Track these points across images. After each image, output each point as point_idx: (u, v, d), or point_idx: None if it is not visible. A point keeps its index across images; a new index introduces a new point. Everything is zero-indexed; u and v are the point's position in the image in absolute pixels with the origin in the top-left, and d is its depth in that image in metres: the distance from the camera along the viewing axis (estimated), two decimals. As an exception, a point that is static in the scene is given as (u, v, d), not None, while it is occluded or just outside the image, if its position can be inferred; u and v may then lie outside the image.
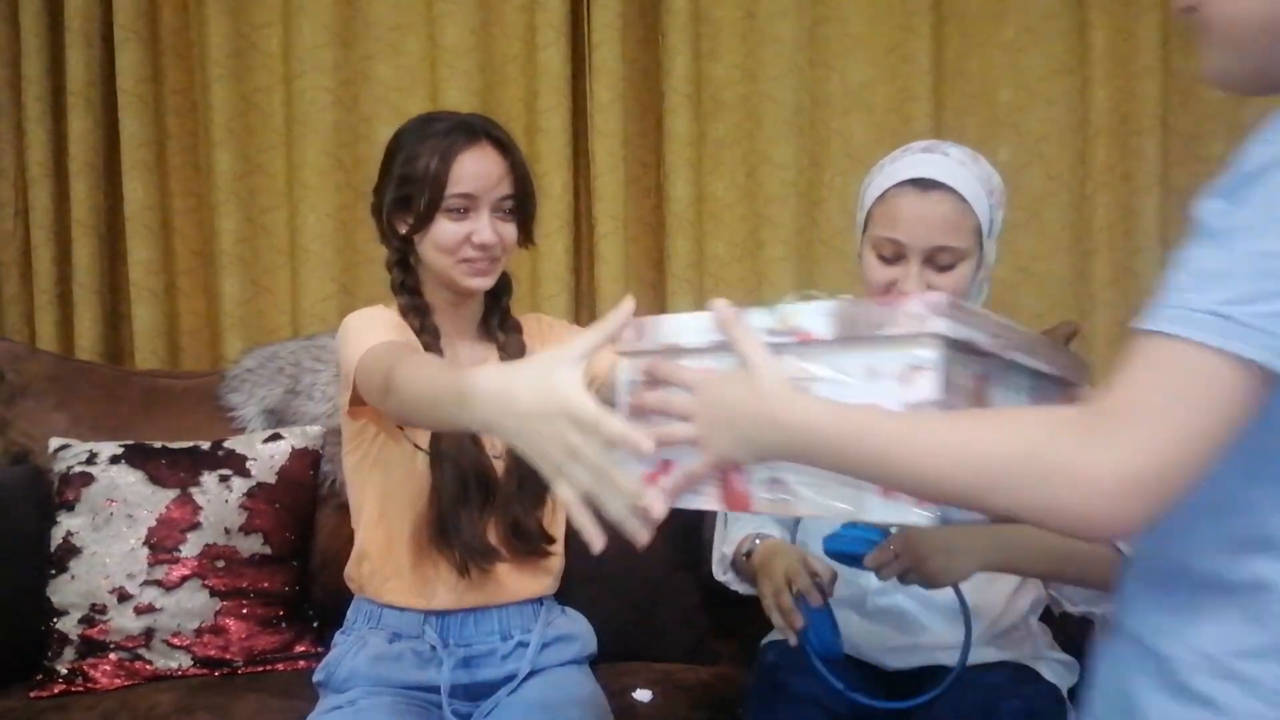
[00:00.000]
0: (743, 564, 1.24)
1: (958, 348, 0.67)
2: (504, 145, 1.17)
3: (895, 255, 1.12)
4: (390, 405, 0.97)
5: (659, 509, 0.71)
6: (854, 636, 1.19)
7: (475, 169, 1.14)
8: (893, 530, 1.01)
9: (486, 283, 1.19)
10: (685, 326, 0.76)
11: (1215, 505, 0.63)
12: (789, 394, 0.68)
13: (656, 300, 2.05)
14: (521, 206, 1.19)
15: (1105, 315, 1.99)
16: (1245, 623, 0.63)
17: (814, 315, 0.70)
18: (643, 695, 1.35)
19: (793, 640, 1.08)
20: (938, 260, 1.10)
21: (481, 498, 1.18)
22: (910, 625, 1.18)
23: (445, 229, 1.15)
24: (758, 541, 1.22)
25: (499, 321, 1.28)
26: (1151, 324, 0.59)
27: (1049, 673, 1.16)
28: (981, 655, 1.14)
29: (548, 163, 1.94)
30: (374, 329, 1.12)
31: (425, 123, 1.19)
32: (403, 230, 1.18)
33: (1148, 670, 0.66)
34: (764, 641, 1.33)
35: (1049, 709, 1.10)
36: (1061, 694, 1.15)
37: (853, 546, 1.02)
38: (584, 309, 2.03)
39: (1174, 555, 0.67)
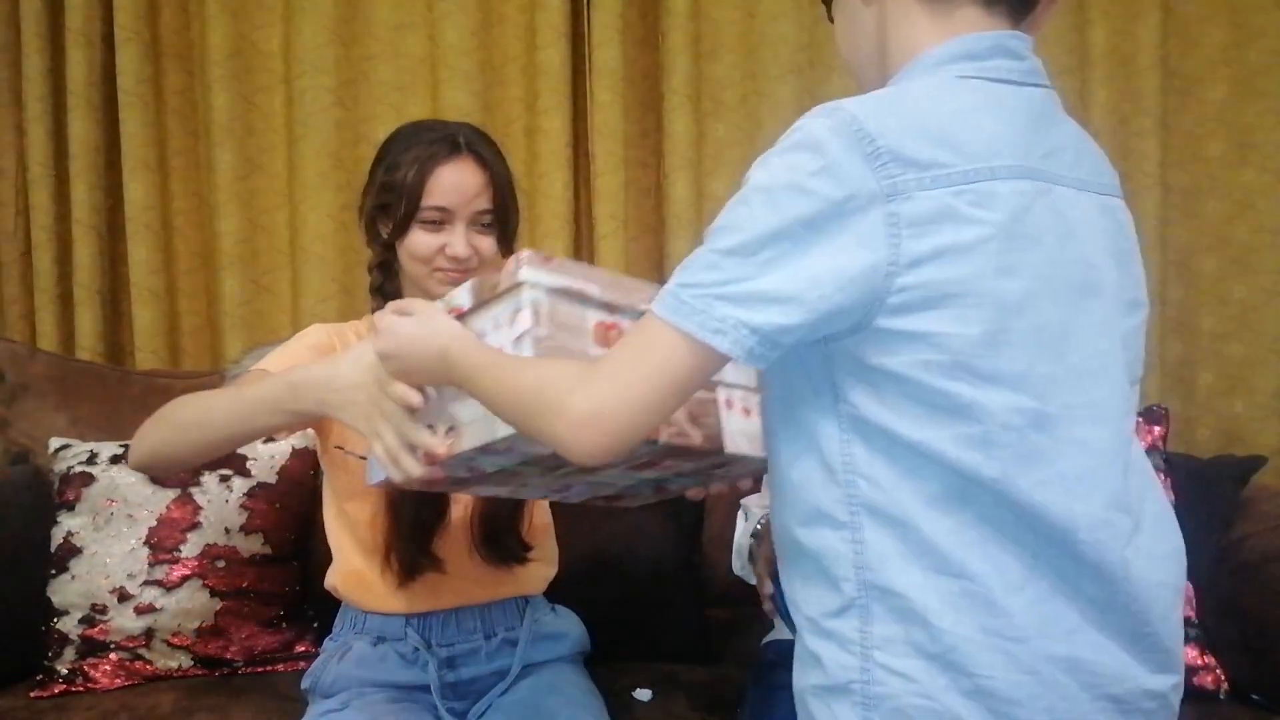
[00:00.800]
0: (754, 550, 1.24)
1: (563, 295, 0.83)
2: (484, 159, 1.17)
3: None
4: (187, 441, 1.02)
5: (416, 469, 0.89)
6: None
7: (452, 182, 1.14)
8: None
9: None
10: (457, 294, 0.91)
11: (783, 484, 0.78)
12: (453, 337, 0.85)
13: (656, 300, 2.05)
14: (501, 220, 1.19)
15: (1105, 315, 1.99)
16: (826, 586, 0.74)
17: (460, 293, 0.90)
18: (642, 694, 1.36)
19: (767, 607, 1.15)
20: None
21: (430, 506, 1.16)
22: None
23: (420, 239, 1.15)
24: (759, 525, 1.23)
25: None
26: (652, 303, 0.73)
27: None
28: None
29: (548, 163, 1.94)
30: (277, 358, 1.12)
31: (411, 132, 1.19)
32: (384, 235, 1.19)
33: (796, 635, 0.80)
34: (763, 641, 1.33)
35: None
36: None
37: None
38: (584, 309, 2.03)
39: (781, 530, 0.80)
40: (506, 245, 1.21)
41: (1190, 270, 2.05)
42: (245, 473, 1.45)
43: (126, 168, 1.90)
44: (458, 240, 1.15)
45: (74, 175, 1.88)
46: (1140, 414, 1.43)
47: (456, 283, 1.16)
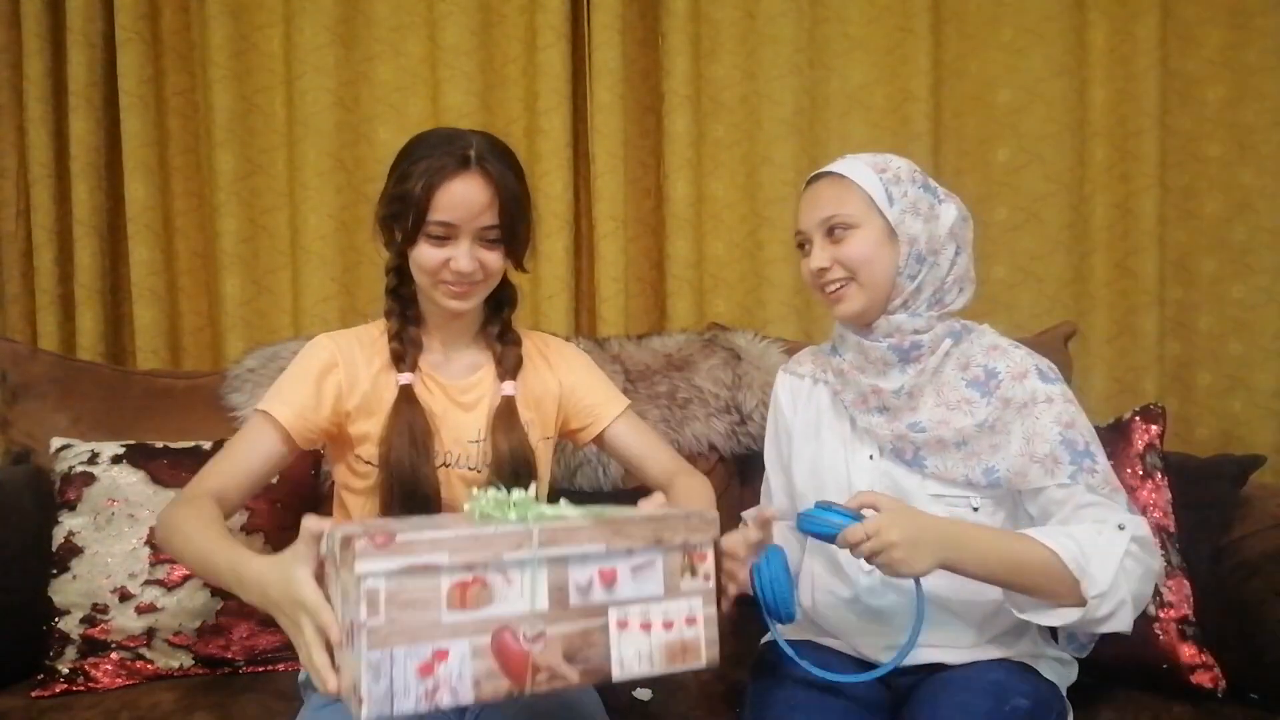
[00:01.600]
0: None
1: (407, 573, 0.79)
2: (493, 174, 1.15)
3: (804, 243, 1.23)
4: (170, 545, 1.07)
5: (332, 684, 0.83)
6: (850, 635, 1.23)
7: (458, 198, 1.14)
8: (864, 515, 1.05)
9: (463, 305, 1.20)
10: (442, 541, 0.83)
11: None
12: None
13: (656, 300, 2.06)
14: (510, 235, 1.18)
15: (1103, 315, 2.00)
16: None
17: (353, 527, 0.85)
18: (643, 694, 1.36)
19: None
20: (833, 232, 1.19)
21: (422, 505, 1.17)
22: (903, 623, 1.19)
23: (426, 252, 1.15)
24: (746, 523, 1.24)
25: (498, 333, 1.29)
26: None
27: (1048, 670, 1.17)
28: (983, 653, 1.16)
29: (548, 163, 1.94)
30: (285, 385, 1.18)
31: (425, 141, 1.18)
32: (397, 239, 1.19)
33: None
34: (763, 641, 1.33)
35: (1051, 706, 1.11)
36: (1061, 691, 1.16)
37: (823, 528, 1.06)
38: (584, 309, 2.04)
39: None
40: (516, 258, 1.21)
41: (1189, 270, 2.05)
42: (246, 472, 1.45)
43: (127, 168, 1.91)
44: (462, 255, 1.15)
45: (75, 175, 1.89)
46: (1137, 412, 1.43)
47: (461, 296, 1.18)
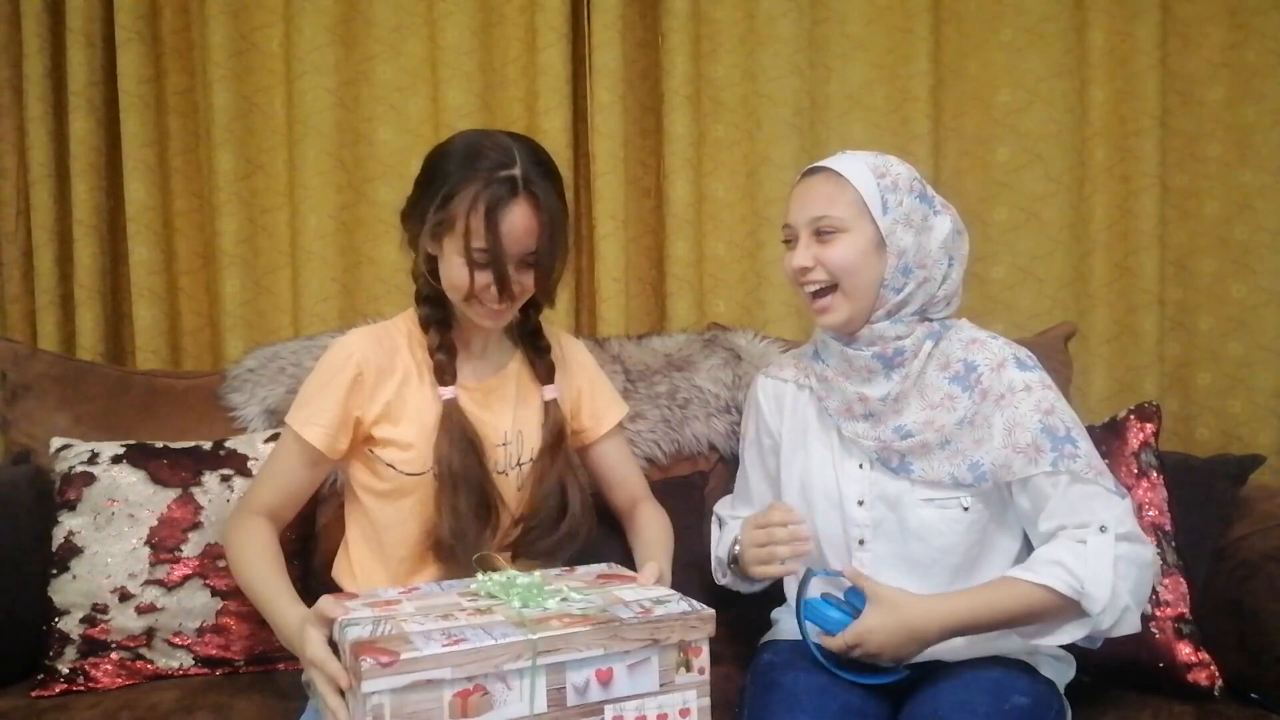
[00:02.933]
0: (738, 560, 1.26)
1: (411, 689, 0.85)
2: (540, 200, 1.12)
3: (791, 239, 1.22)
4: (228, 558, 1.23)
5: None
6: None
7: (504, 227, 1.11)
8: (861, 585, 1.14)
9: (498, 324, 1.20)
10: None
11: None
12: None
13: (657, 300, 2.06)
14: (546, 260, 1.15)
15: (1103, 315, 2.00)
16: None
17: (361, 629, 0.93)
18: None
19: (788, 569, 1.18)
20: (821, 233, 1.17)
21: (485, 514, 1.20)
22: None
23: (461, 272, 1.14)
24: (738, 546, 1.26)
25: (532, 342, 1.31)
26: None
27: (1047, 669, 1.17)
28: (981, 649, 1.16)
29: (548, 163, 1.95)
30: (315, 398, 1.20)
31: (472, 154, 1.14)
32: (430, 250, 1.19)
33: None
34: (762, 640, 1.33)
35: (1050, 704, 1.11)
36: (1059, 689, 1.16)
37: (825, 623, 1.15)
38: (584, 309, 2.04)
39: None
40: (546, 281, 1.18)
41: (1189, 270, 2.05)
42: (246, 472, 1.45)
43: (127, 168, 1.91)
44: (501, 280, 1.13)
45: (75, 175, 1.89)
46: (1132, 411, 1.43)
47: (494, 315, 1.18)
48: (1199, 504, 1.42)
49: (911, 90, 1.99)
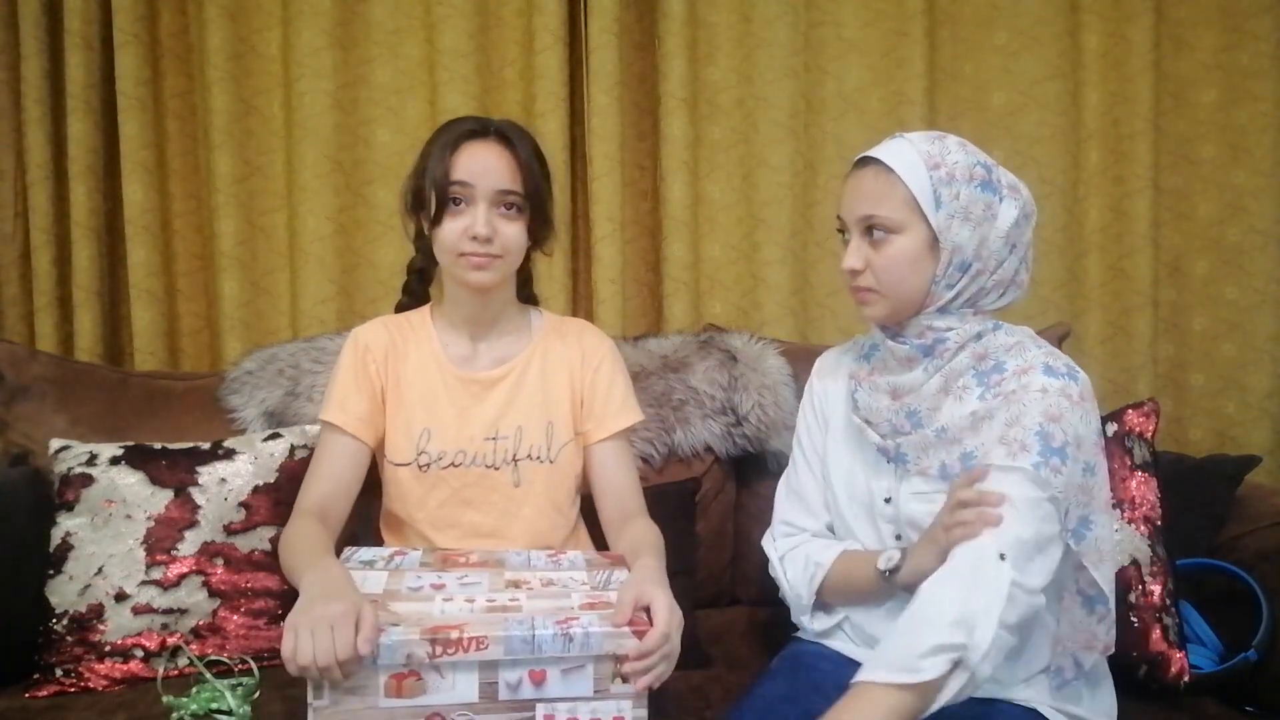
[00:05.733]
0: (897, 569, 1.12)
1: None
2: (512, 142, 1.20)
3: (843, 230, 1.15)
4: (281, 561, 1.18)
5: None
6: (880, 636, 1.15)
7: (475, 159, 1.18)
8: None
9: (485, 277, 1.20)
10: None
11: None
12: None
13: (653, 302, 2.06)
14: (534, 205, 1.21)
15: (1097, 316, 2.01)
16: None
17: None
18: (639, 694, 1.36)
19: None
20: (873, 234, 1.09)
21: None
22: None
23: (446, 226, 1.19)
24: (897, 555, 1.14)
25: (531, 317, 1.37)
26: None
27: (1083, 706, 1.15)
28: (1013, 694, 1.11)
29: (545, 165, 1.95)
30: (336, 389, 1.27)
31: (448, 125, 1.24)
32: (424, 229, 1.24)
33: None
34: (781, 652, 1.27)
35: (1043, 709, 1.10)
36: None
37: None
38: (581, 311, 2.04)
39: None
40: (538, 240, 1.25)
41: (1182, 272, 2.06)
42: (245, 472, 1.45)
43: (125, 170, 1.91)
44: (479, 218, 1.16)
45: (73, 177, 1.89)
46: (1130, 407, 1.43)
47: (481, 267, 1.19)
48: (1194, 504, 1.43)
49: (907, 93, 2.00)
